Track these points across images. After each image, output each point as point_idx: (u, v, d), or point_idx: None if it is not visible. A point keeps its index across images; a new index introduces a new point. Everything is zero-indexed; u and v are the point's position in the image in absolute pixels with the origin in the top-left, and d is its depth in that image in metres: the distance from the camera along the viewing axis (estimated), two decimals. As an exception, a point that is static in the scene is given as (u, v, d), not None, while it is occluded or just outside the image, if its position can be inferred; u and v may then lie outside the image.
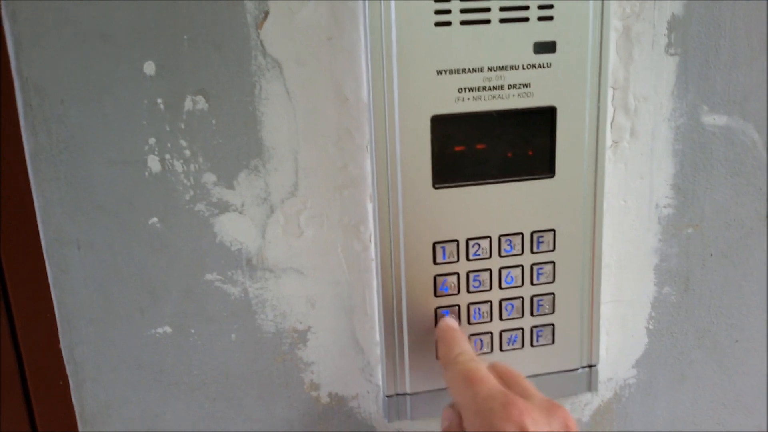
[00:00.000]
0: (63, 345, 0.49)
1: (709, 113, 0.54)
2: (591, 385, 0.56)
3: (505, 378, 0.45)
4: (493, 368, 0.46)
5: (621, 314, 0.57)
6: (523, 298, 0.53)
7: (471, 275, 0.51)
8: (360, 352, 0.53)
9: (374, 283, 0.51)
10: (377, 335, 0.53)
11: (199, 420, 0.52)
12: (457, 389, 0.44)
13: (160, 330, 0.49)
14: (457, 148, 0.49)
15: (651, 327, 0.59)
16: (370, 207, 0.50)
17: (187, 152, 0.46)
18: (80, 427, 0.50)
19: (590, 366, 0.56)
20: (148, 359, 0.50)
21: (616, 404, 0.60)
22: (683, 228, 0.57)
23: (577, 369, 0.56)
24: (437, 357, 0.51)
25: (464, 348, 0.47)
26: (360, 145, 0.48)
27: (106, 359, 0.49)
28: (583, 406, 0.59)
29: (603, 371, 0.59)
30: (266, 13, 0.44)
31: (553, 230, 0.52)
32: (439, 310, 0.51)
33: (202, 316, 0.49)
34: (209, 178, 0.47)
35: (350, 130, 0.48)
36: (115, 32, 0.43)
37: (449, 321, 0.51)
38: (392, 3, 0.44)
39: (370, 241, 0.51)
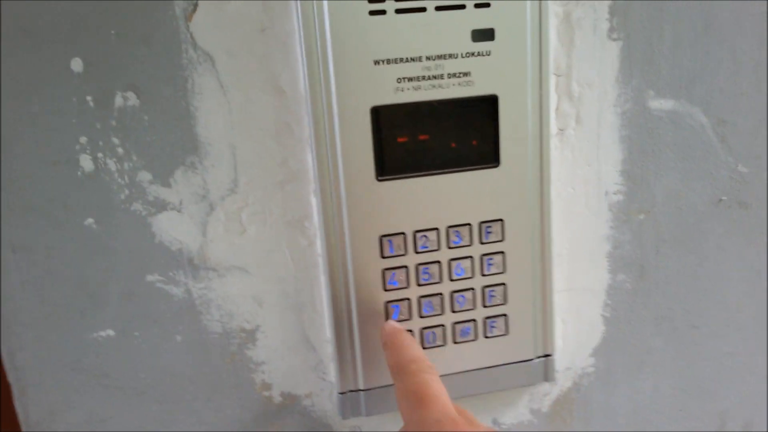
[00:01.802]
0: (3, 351, 0.47)
1: (655, 98, 0.53)
2: (548, 375, 0.55)
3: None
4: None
5: (576, 303, 0.56)
6: (474, 289, 0.51)
7: (420, 268, 0.50)
8: (311, 349, 0.51)
9: (322, 279, 0.50)
10: (327, 332, 0.51)
11: (147, 424, 0.50)
12: (406, 406, 0.41)
13: (102, 333, 0.47)
14: (400, 139, 0.47)
15: (607, 315, 0.57)
16: (314, 201, 0.48)
17: (120, 150, 0.44)
18: (24, 436, 0.48)
19: (546, 356, 0.54)
20: (92, 363, 0.48)
21: (575, 393, 0.59)
22: (634, 214, 0.55)
23: (532, 359, 0.54)
24: (388, 364, 0.46)
25: (416, 354, 0.44)
26: (300, 139, 0.47)
27: (48, 364, 0.47)
28: (542, 397, 0.58)
29: (560, 361, 0.57)
30: (195, 5, 0.43)
31: (501, 220, 0.50)
32: (389, 305, 0.50)
33: (146, 318, 0.48)
34: (144, 176, 0.45)
35: (289, 123, 0.46)
36: (39, 28, 0.41)
37: (394, 324, 0.48)
38: (324, -8, 0.43)
39: (316, 236, 0.49)
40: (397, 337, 0.46)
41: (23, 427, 0.49)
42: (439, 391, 0.41)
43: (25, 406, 0.48)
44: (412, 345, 0.46)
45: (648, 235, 0.56)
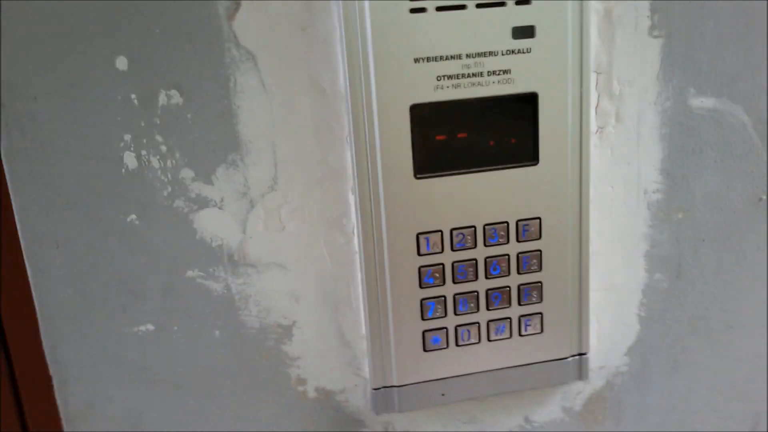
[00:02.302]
0: (45, 344, 0.49)
1: (696, 96, 0.54)
2: (581, 374, 0.56)
3: None
4: None
5: (611, 302, 0.57)
6: (510, 287, 0.52)
7: (456, 266, 0.51)
8: (346, 345, 0.53)
9: (358, 275, 0.51)
10: (363, 328, 0.52)
11: (184, 417, 0.52)
12: None
13: (142, 328, 0.49)
14: (438, 137, 0.48)
15: (643, 314, 0.58)
16: (351, 199, 0.49)
17: (164, 148, 0.46)
18: (65, 427, 0.50)
19: (580, 354, 0.55)
20: (131, 357, 0.50)
21: (608, 392, 0.60)
22: (673, 213, 0.56)
23: (567, 358, 0.55)
24: None
25: None
26: (339, 137, 0.48)
27: (89, 357, 0.49)
28: (575, 395, 0.59)
29: (594, 359, 0.58)
30: (238, 5, 0.44)
31: (539, 218, 0.51)
32: (424, 302, 0.51)
33: (185, 313, 0.49)
34: (187, 173, 0.46)
35: (328, 121, 0.47)
36: (85, 27, 0.43)
37: None
38: (366, -9, 0.44)
39: (353, 233, 0.50)
40: None
41: (63, 419, 0.51)
42: None
43: (65, 399, 0.50)
44: None
45: (686, 235, 0.57)
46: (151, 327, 0.49)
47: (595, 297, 0.56)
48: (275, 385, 0.52)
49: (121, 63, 0.44)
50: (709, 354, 0.61)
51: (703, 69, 0.53)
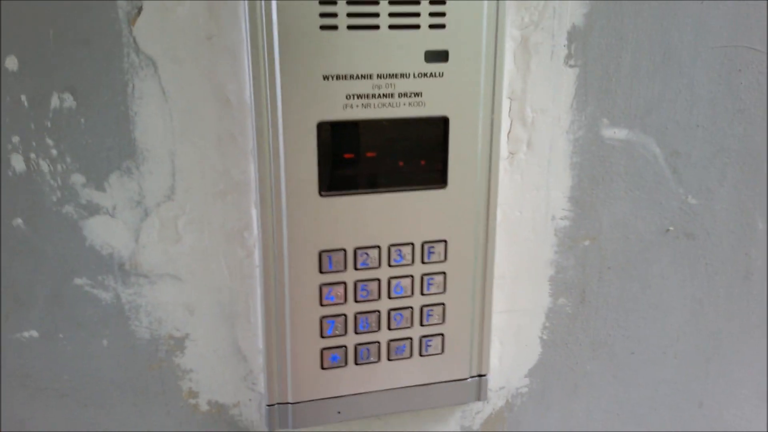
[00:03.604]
0: None
1: (609, 126, 0.56)
2: (480, 395, 0.59)
3: None
4: None
5: (515, 324, 0.60)
6: (412, 308, 0.54)
7: (358, 285, 0.53)
8: (242, 359, 0.54)
9: (258, 290, 0.52)
10: (260, 342, 0.54)
11: (69, 426, 0.52)
12: None
13: (25, 334, 0.49)
14: (345, 156, 0.50)
15: (545, 337, 0.61)
16: (254, 213, 0.51)
17: (54, 152, 0.46)
18: (-62, 434, 0.50)
19: (480, 375, 0.58)
20: (13, 363, 0.50)
21: (507, 413, 0.63)
22: (580, 240, 0.59)
23: (467, 378, 0.58)
24: None
25: None
26: (243, 149, 0.49)
27: (-33, 363, 0.49)
28: (474, 414, 0.62)
29: (495, 380, 0.61)
30: (140, 9, 0.44)
31: (445, 241, 0.53)
32: (324, 319, 0.52)
33: (72, 321, 0.50)
34: (78, 179, 0.47)
35: (232, 133, 0.48)
36: (-27, 23, 0.42)
37: None
38: (273, 3, 0.45)
39: (255, 247, 0.51)
40: None
41: (-62, 423, 0.51)
42: None
43: (-59, 402, 0.50)
44: None
45: (592, 261, 0.60)
46: (35, 333, 0.49)
47: (499, 319, 0.59)
48: (166, 396, 0.53)
49: (11, 63, 0.43)
50: (610, 378, 0.65)
51: (618, 100, 0.56)
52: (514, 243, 0.57)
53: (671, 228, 0.61)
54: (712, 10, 0.55)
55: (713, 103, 0.59)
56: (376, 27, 0.47)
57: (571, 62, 0.54)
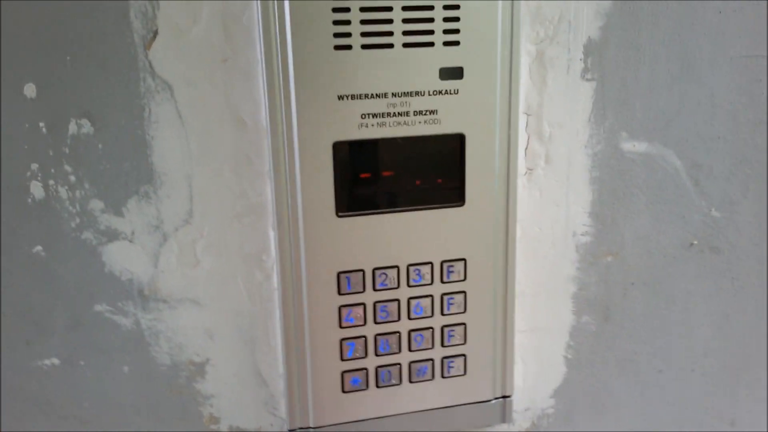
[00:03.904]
0: (-57, 377, 0.48)
1: (628, 140, 0.55)
2: (505, 417, 0.57)
3: None
4: None
5: (537, 343, 0.58)
6: (433, 328, 0.53)
7: (378, 306, 0.51)
8: (263, 384, 0.53)
9: (277, 313, 0.51)
10: (280, 367, 0.52)
11: (90, 455, 0.51)
12: None
13: (47, 362, 0.48)
14: (362, 176, 0.49)
15: (569, 356, 0.59)
16: (271, 235, 0.50)
17: (73, 178, 0.45)
18: (-39, 464, 0.50)
19: (504, 397, 0.56)
20: (36, 391, 0.49)
21: (534, 435, 0.61)
22: (602, 256, 0.57)
23: (490, 400, 0.56)
24: None
25: None
26: (260, 172, 0.48)
27: (-11, 392, 0.49)
28: (500, 437, 0.60)
29: (520, 401, 0.59)
30: (155, 33, 0.44)
31: (464, 259, 0.52)
32: (344, 342, 0.51)
33: (92, 347, 0.49)
34: (96, 204, 0.46)
35: (249, 155, 0.47)
36: (-9, 52, 0.42)
37: None
38: (287, 24, 0.44)
39: (273, 270, 0.50)
40: None
41: (-39, 453, 0.50)
42: None
43: (-36, 432, 0.49)
44: None
45: (615, 278, 0.58)
46: (56, 361, 0.49)
47: (521, 338, 0.57)
48: (187, 423, 0.52)
49: (30, 90, 0.43)
50: (637, 397, 0.62)
51: (636, 113, 0.55)
52: (534, 260, 0.56)
53: (695, 242, 0.59)
54: (730, 20, 0.54)
55: (733, 114, 0.57)
56: (390, 46, 0.46)
57: (588, 76, 0.52)
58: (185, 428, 0.52)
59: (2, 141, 0.44)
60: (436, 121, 0.48)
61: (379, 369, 0.52)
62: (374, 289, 0.51)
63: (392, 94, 0.47)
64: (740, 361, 0.64)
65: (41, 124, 0.44)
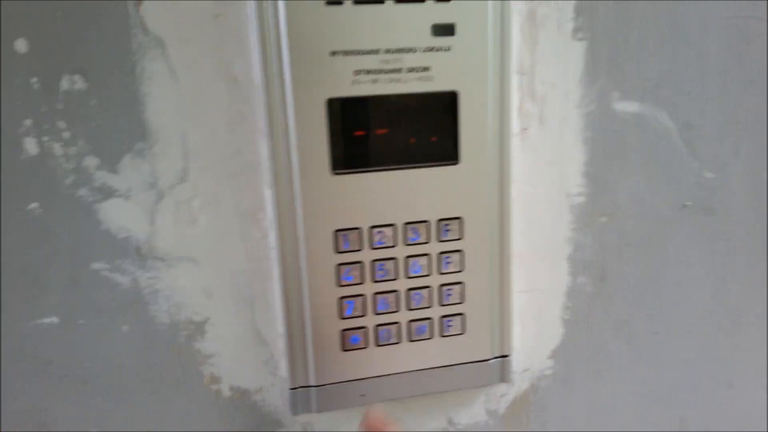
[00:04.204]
0: (-57, 337, 0.46)
1: (620, 100, 0.53)
2: (504, 376, 0.55)
3: None
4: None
5: (535, 304, 0.56)
6: (431, 287, 0.51)
7: (375, 264, 0.49)
8: (263, 343, 0.51)
9: (274, 272, 0.49)
10: (279, 326, 0.51)
11: (90, 414, 0.49)
12: None
13: (46, 320, 0.47)
14: (357, 133, 0.47)
15: (567, 317, 0.57)
16: (267, 193, 0.48)
17: (67, 134, 0.43)
18: (-38, 424, 0.48)
19: (503, 356, 0.54)
20: (34, 350, 0.47)
21: (533, 395, 0.58)
22: (597, 217, 0.55)
23: (489, 359, 0.54)
24: None
25: None
26: (254, 129, 0.46)
27: (-11, 352, 0.47)
28: (499, 398, 0.58)
29: (518, 362, 0.57)
30: (147, -11, 0.42)
31: (460, 218, 0.50)
32: (342, 300, 0.49)
33: (91, 306, 0.47)
34: (91, 161, 0.44)
35: (243, 112, 0.46)
36: (-17, 7, 0.41)
37: (376, 414, 0.46)
38: (279, -20, 0.42)
39: (269, 228, 0.48)
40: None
41: (-37, 415, 0.48)
42: None
43: (-34, 394, 0.48)
44: None
45: (610, 239, 0.56)
46: (55, 320, 0.47)
47: (519, 299, 0.55)
48: (187, 383, 0.50)
49: (21, 45, 0.41)
50: (634, 358, 0.60)
51: (628, 73, 0.53)
52: (530, 221, 0.54)
53: (689, 203, 0.57)
54: (719, -24, 0.52)
55: (723, 75, 0.55)
56: (382, 1, 0.44)
57: (579, 35, 0.51)
58: (187, 388, 0.50)
59: (-4, 97, 0.42)
60: (429, 78, 0.47)
61: (379, 328, 0.51)
62: (371, 248, 0.49)
63: (385, 50, 0.45)
64: (736, 323, 0.62)
65: (33, 80, 0.42)
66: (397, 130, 0.47)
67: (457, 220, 0.50)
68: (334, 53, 0.45)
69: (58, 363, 0.48)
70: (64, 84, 0.43)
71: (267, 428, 0.53)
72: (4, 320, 0.46)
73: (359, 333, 0.51)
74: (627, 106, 0.53)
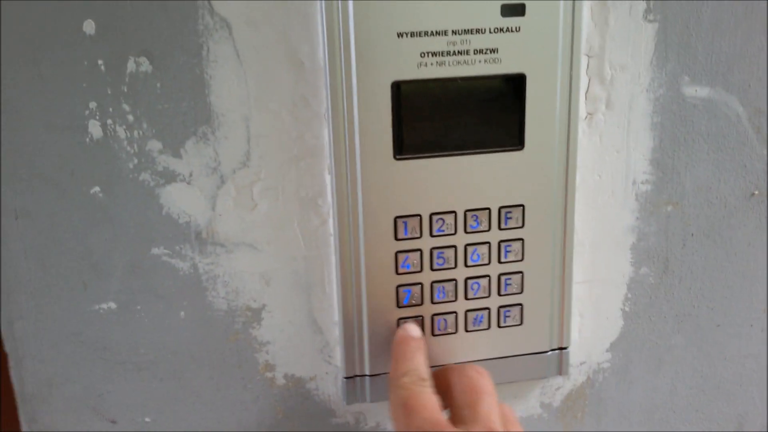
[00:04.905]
0: (2, 319, 0.48)
1: (690, 84, 0.54)
2: (561, 369, 0.56)
3: (467, 392, 0.46)
4: (460, 376, 0.47)
5: (595, 295, 0.57)
6: (489, 276, 0.52)
7: (435, 252, 0.51)
8: (318, 331, 0.53)
9: (333, 259, 0.51)
10: (336, 314, 0.52)
11: (146, 400, 0.52)
12: (394, 416, 0.45)
13: (104, 306, 0.49)
14: (421, 117, 0.48)
15: (627, 309, 0.58)
16: (328, 179, 0.49)
17: (131, 117, 0.45)
18: (20, 406, 0.50)
19: (561, 348, 0.56)
20: (92, 336, 0.50)
21: (589, 389, 0.60)
22: (662, 205, 0.56)
23: (546, 351, 0.55)
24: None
25: (414, 365, 0.47)
26: (317, 113, 0.48)
27: (48, 335, 0.49)
28: (554, 390, 0.59)
29: (575, 354, 0.59)
30: (214, -30, 0.44)
31: (522, 206, 0.51)
32: (400, 288, 0.51)
33: (149, 292, 0.49)
34: (154, 145, 0.46)
35: (306, 96, 0.47)
36: (51, -12, 0.42)
37: (408, 330, 0.50)
38: (347, -39, 0.44)
39: (329, 214, 0.50)
40: (402, 346, 0.49)
41: (18, 399, 0.50)
42: (426, 401, 0.44)
43: (21, 378, 0.50)
44: (414, 356, 0.48)
45: (675, 228, 0.57)
46: (113, 305, 0.49)
47: (579, 290, 0.57)
48: (242, 370, 0.52)
49: (89, 27, 0.43)
50: (695, 352, 0.61)
51: (699, 56, 0.54)
52: (593, 209, 0.55)
53: (756, 192, 0.58)
54: (800, -45, 0.53)
55: (799, 59, 0.56)
56: (451, -19, 0.46)
57: (650, 17, 0.51)
58: (241, 376, 0.52)
59: (62, 79, 0.44)
60: (496, 60, 0.48)
61: (435, 317, 0.52)
62: (431, 235, 0.50)
63: (452, 31, 0.47)
64: (801, 317, 0.63)
65: (100, 62, 0.44)
66: (462, 114, 0.49)
67: (519, 208, 0.51)
68: (400, 35, 0.46)
69: (116, 349, 0.50)
70: (130, 66, 0.44)
71: (320, 417, 0.55)
72: (64, 304, 0.48)
73: (416, 322, 0.52)
74: (697, 91, 0.54)
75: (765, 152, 0.57)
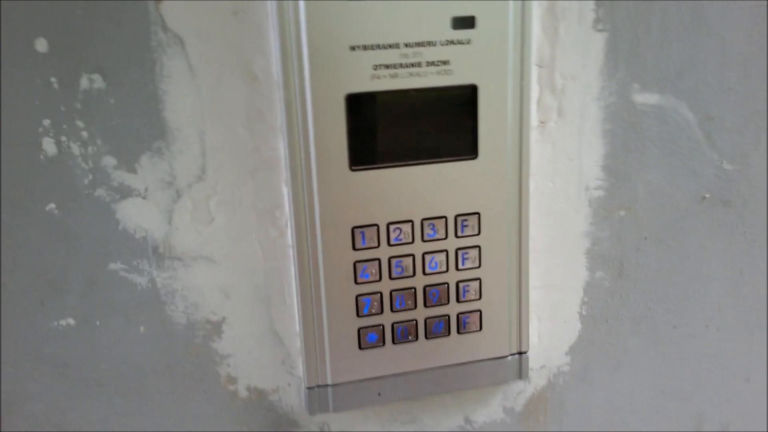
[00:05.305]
0: (-42, 340, 0.49)
1: (640, 91, 0.56)
2: (522, 373, 0.58)
3: None
4: None
5: (552, 300, 0.59)
6: (448, 284, 0.54)
7: (393, 261, 0.53)
8: (279, 343, 0.54)
9: (292, 270, 0.52)
10: (297, 325, 0.54)
11: (108, 416, 0.53)
12: None
13: (62, 322, 0.50)
14: (375, 129, 0.50)
15: (584, 313, 0.61)
16: (285, 191, 0.51)
17: (85, 134, 0.46)
18: (-22, 427, 0.51)
19: (520, 353, 0.58)
20: (52, 353, 0.50)
21: (550, 392, 0.62)
22: (615, 210, 0.59)
23: (506, 356, 0.57)
24: None
25: None
26: (272, 126, 0.49)
27: (6, 353, 0.50)
28: (516, 395, 0.61)
29: (535, 358, 0.61)
30: (166, -14, 0.45)
31: (478, 213, 0.53)
32: (359, 298, 0.52)
33: (108, 307, 0.50)
34: (109, 161, 0.47)
35: (261, 109, 0.49)
36: (2, 5, 0.43)
37: None
38: (299, -25, 0.45)
39: (287, 226, 0.51)
40: None
41: (-23, 418, 0.51)
42: None
43: (-20, 396, 0.51)
44: None
45: (628, 232, 0.60)
46: (72, 321, 0.50)
47: (536, 295, 0.59)
48: (204, 383, 0.54)
49: (41, 45, 0.44)
50: (653, 354, 0.64)
51: (648, 64, 0.56)
52: (547, 215, 0.57)
53: (707, 195, 0.61)
54: (740, -34, 0.55)
55: (745, 65, 0.58)
56: (401, -5, 0.48)
57: (600, 26, 0.54)
58: (203, 389, 0.53)
59: (14, 97, 0.45)
60: (448, 71, 0.50)
61: (396, 325, 0.54)
62: (389, 244, 0.52)
63: (404, 44, 0.48)
64: (755, 317, 0.66)
65: (53, 80, 0.45)
66: (416, 125, 0.50)
67: (474, 216, 0.53)
68: (353, 48, 0.48)
69: (76, 365, 0.51)
70: (84, 83, 0.45)
71: (284, 428, 0.57)
72: (22, 322, 0.49)
73: (376, 331, 0.54)
74: (647, 98, 0.56)
75: (715, 156, 0.60)
